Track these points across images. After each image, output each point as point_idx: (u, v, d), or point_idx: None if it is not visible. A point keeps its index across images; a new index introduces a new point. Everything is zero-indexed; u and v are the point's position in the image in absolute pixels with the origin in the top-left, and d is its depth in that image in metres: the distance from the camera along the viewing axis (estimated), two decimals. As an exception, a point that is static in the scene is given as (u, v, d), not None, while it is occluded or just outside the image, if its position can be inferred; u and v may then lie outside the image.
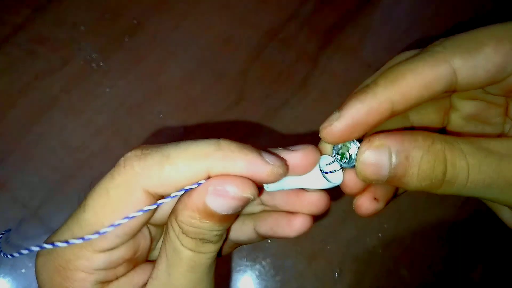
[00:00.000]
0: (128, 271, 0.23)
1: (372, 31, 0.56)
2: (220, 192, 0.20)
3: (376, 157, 0.19)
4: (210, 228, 0.21)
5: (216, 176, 0.20)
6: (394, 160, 0.19)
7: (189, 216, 0.20)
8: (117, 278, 0.22)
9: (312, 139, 0.41)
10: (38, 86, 0.47)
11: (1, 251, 0.23)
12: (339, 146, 0.22)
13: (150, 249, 0.25)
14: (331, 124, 0.20)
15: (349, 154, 0.22)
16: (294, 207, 0.25)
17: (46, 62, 0.48)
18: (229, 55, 0.51)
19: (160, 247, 0.22)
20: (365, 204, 0.24)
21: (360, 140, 0.21)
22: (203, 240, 0.21)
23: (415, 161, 0.19)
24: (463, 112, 0.25)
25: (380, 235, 0.47)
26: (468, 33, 0.21)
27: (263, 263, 0.45)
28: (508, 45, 0.20)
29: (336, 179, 0.23)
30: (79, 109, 0.47)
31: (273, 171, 0.20)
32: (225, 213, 0.20)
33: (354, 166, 0.21)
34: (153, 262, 0.24)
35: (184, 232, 0.21)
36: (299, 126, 0.50)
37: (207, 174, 0.20)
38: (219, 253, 0.24)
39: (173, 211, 0.21)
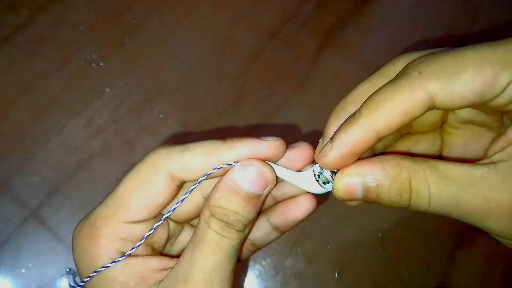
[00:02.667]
0: (146, 254, 0.25)
1: (372, 31, 0.56)
2: (245, 165, 0.24)
3: (349, 187, 0.22)
4: (235, 209, 0.23)
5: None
6: (365, 188, 0.22)
7: (218, 197, 0.24)
8: (135, 255, 0.24)
9: (312, 139, 0.41)
10: (38, 86, 0.47)
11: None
12: (317, 169, 0.25)
13: (168, 242, 0.28)
14: (325, 155, 0.22)
15: (325, 176, 0.25)
16: (298, 190, 0.27)
17: (46, 62, 0.48)
18: (229, 55, 0.51)
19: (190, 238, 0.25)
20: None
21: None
22: (228, 224, 0.23)
23: (384, 189, 0.21)
24: (459, 116, 0.26)
25: (380, 235, 0.47)
26: (448, 55, 0.20)
27: (263, 263, 0.45)
28: (489, 73, 0.19)
29: (327, 186, 0.25)
30: (79, 109, 0.47)
31: (271, 144, 0.24)
32: (249, 189, 0.24)
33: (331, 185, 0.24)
34: (168, 256, 0.27)
35: (212, 214, 0.23)
36: (299, 126, 0.50)
37: (219, 162, 0.24)
38: (238, 258, 0.26)
39: (207, 199, 0.24)
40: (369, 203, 0.24)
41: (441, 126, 0.27)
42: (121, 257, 0.24)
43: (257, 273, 0.44)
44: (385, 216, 0.47)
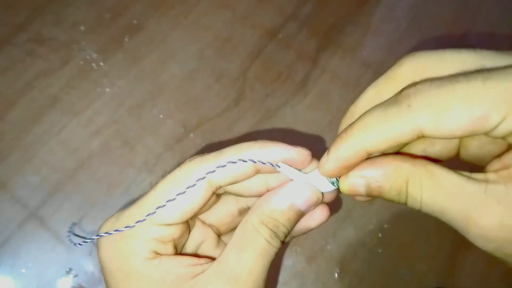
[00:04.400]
0: (175, 253, 0.26)
1: (372, 31, 0.56)
2: (303, 187, 0.26)
3: (353, 187, 0.24)
4: (284, 221, 0.26)
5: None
6: (368, 188, 0.24)
7: (272, 209, 0.26)
8: (167, 254, 0.26)
9: (312, 139, 0.40)
10: (38, 86, 0.47)
11: (71, 240, 0.27)
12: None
13: (186, 245, 0.29)
14: (323, 166, 0.24)
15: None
16: None
17: (46, 62, 0.48)
18: (229, 55, 0.51)
19: (231, 238, 0.26)
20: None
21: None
22: (276, 234, 0.26)
23: (385, 189, 0.23)
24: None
25: (380, 235, 0.47)
26: (440, 89, 0.20)
27: (263, 263, 0.45)
28: (478, 112, 0.19)
29: (335, 185, 0.27)
30: (79, 109, 0.47)
31: (300, 151, 0.25)
32: (302, 208, 0.26)
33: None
34: (185, 254, 0.28)
35: (264, 223, 0.26)
36: (299, 126, 0.50)
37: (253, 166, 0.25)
38: None
39: (254, 206, 0.26)
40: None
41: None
42: (148, 215, 0.24)
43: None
44: (385, 216, 0.47)
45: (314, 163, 0.27)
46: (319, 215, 0.29)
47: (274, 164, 0.26)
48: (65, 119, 0.46)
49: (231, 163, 0.25)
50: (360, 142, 0.23)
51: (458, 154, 0.28)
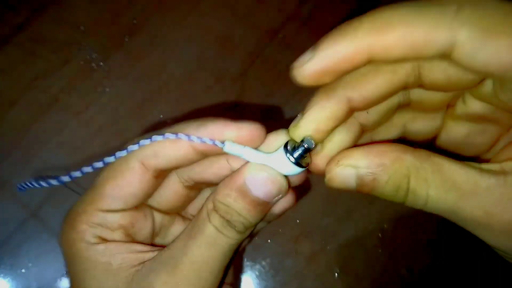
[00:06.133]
0: (127, 241, 0.26)
1: (372, 31, 0.56)
2: (258, 170, 0.23)
3: (342, 178, 0.20)
4: (239, 210, 0.23)
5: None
6: (360, 180, 0.20)
7: (225, 194, 0.23)
8: (114, 241, 0.25)
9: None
10: (38, 86, 0.47)
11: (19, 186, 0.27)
12: (289, 144, 0.23)
13: (154, 234, 0.28)
14: (302, 65, 0.19)
15: (298, 153, 0.22)
16: None
17: (46, 62, 0.48)
18: (229, 55, 0.51)
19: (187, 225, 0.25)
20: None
21: (309, 142, 0.22)
22: (229, 223, 0.23)
23: (380, 184, 0.20)
24: (470, 107, 0.22)
25: (380, 235, 0.47)
26: (500, 8, 0.16)
27: (263, 263, 0.45)
28: None
29: (301, 163, 0.23)
30: (79, 109, 0.47)
31: (244, 126, 0.23)
32: (259, 195, 0.23)
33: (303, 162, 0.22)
34: (158, 246, 0.27)
35: (215, 209, 0.23)
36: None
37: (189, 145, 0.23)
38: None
39: (213, 192, 0.24)
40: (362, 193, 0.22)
41: (446, 109, 0.24)
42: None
43: (257, 273, 0.44)
44: (385, 216, 0.47)
45: (276, 140, 0.23)
46: (283, 201, 0.25)
47: (216, 142, 0.22)
48: (65, 119, 0.46)
49: (158, 138, 0.23)
50: (368, 39, 0.17)
51: (437, 136, 0.25)
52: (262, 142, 0.23)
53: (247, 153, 0.23)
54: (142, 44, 0.50)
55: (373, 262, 0.46)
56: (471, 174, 0.19)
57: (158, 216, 0.28)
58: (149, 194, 0.26)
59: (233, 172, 0.24)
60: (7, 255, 0.41)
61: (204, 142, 0.23)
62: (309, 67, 0.19)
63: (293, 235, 0.45)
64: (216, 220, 0.23)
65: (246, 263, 0.45)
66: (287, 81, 0.51)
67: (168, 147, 0.24)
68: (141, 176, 0.24)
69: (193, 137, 0.23)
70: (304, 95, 0.51)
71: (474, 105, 0.22)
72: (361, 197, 0.47)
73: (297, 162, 0.22)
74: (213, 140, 0.23)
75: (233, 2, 0.53)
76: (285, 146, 0.23)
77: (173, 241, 0.25)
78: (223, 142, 0.23)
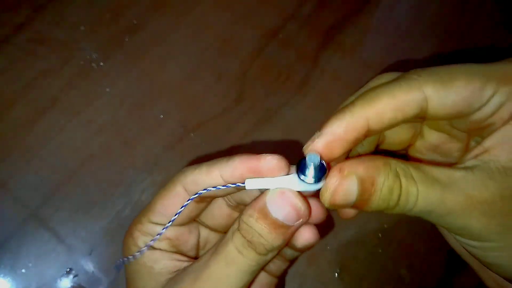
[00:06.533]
0: (171, 251, 0.29)
1: (372, 31, 0.56)
2: (280, 193, 0.24)
3: (346, 186, 0.22)
4: (260, 231, 0.24)
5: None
6: (361, 187, 0.22)
7: (248, 215, 0.24)
8: (160, 249, 0.29)
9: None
10: (38, 86, 0.47)
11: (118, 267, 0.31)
12: (302, 162, 0.23)
13: (200, 247, 0.31)
14: (313, 141, 0.23)
15: (310, 171, 0.23)
16: None
17: (46, 62, 0.48)
18: (229, 55, 0.51)
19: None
20: (350, 212, 0.28)
21: (312, 157, 0.23)
22: (250, 244, 0.24)
23: (378, 187, 0.21)
24: (427, 140, 0.28)
25: (380, 235, 0.47)
26: (443, 67, 0.22)
27: (263, 263, 0.45)
28: (477, 83, 0.22)
29: (314, 184, 0.24)
30: (79, 109, 0.47)
31: (268, 161, 0.25)
32: (278, 217, 0.24)
33: (314, 182, 0.23)
34: (184, 255, 0.30)
35: (238, 229, 0.25)
36: (299, 126, 0.50)
37: (218, 175, 0.26)
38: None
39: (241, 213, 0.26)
40: (356, 209, 0.23)
41: (407, 148, 0.30)
42: (144, 247, 0.28)
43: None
44: (385, 216, 0.47)
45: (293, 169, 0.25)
46: (305, 233, 0.28)
47: (238, 184, 0.25)
48: (65, 119, 0.46)
49: (205, 190, 0.26)
50: (364, 111, 0.22)
51: (407, 148, 0.30)
52: (284, 171, 0.25)
53: (267, 183, 0.25)
54: (142, 44, 0.50)
55: (373, 262, 0.46)
56: (445, 170, 0.22)
57: (204, 231, 0.32)
58: (192, 215, 0.29)
59: (260, 195, 0.25)
60: (7, 255, 0.41)
61: (228, 187, 0.26)
62: (320, 141, 0.23)
63: (293, 235, 0.46)
64: (237, 239, 0.25)
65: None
66: (287, 81, 0.52)
67: (205, 177, 0.27)
68: (183, 199, 0.27)
69: (218, 186, 0.26)
70: (304, 95, 0.51)
71: (431, 137, 0.27)
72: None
73: (305, 179, 0.23)
74: (234, 184, 0.25)
75: (233, 2, 0.53)
76: (298, 164, 0.24)
77: (203, 255, 0.27)
78: (243, 182, 0.25)
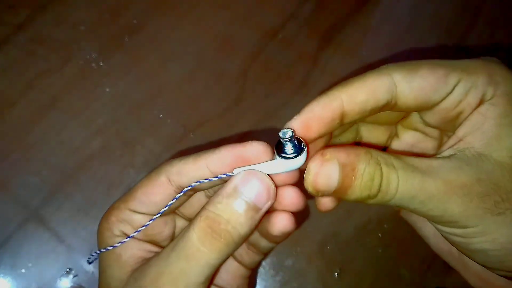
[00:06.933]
0: (143, 240, 0.29)
1: (372, 31, 0.56)
2: (251, 174, 0.24)
3: (327, 170, 0.22)
4: (229, 216, 0.24)
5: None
6: (342, 172, 0.22)
7: (216, 202, 0.24)
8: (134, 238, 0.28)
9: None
10: (38, 86, 0.47)
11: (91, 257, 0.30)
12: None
13: (174, 237, 0.31)
14: (293, 120, 0.24)
15: (289, 147, 0.24)
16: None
17: (46, 62, 0.48)
18: (229, 55, 0.51)
19: None
20: (327, 203, 0.28)
21: (293, 140, 0.24)
22: (214, 234, 0.23)
23: (359, 173, 0.22)
24: (403, 141, 0.29)
25: (380, 235, 0.47)
26: (412, 62, 0.25)
27: (263, 263, 0.45)
28: (441, 72, 0.23)
29: (296, 161, 0.24)
30: (79, 109, 0.47)
31: (255, 149, 0.25)
32: (250, 199, 0.24)
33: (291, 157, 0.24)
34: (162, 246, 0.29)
35: (202, 219, 0.24)
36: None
37: (205, 166, 0.26)
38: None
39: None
40: (335, 197, 0.24)
41: (384, 149, 0.31)
42: (127, 238, 0.28)
43: (257, 273, 0.44)
44: (385, 216, 0.47)
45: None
46: (282, 220, 0.27)
47: (230, 174, 0.25)
48: (65, 119, 0.46)
49: (196, 183, 0.26)
50: (338, 93, 0.24)
51: (387, 146, 0.31)
52: (269, 156, 0.25)
53: (254, 168, 0.25)
54: (142, 44, 0.50)
55: (373, 262, 0.46)
56: (423, 159, 0.23)
57: (180, 221, 0.31)
58: (172, 207, 0.29)
59: (227, 182, 0.25)
60: (7, 255, 0.41)
61: (217, 178, 0.25)
62: (298, 119, 0.24)
63: (293, 235, 0.45)
64: (200, 230, 0.24)
65: (246, 263, 0.45)
66: (287, 81, 0.52)
67: (191, 168, 0.26)
68: (165, 190, 0.27)
69: (210, 178, 0.26)
70: (304, 95, 0.51)
71: (425, 117, 0.27)
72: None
73: (285, 155, 0.24)
74: (224, 174, 0.25)
75: (233, 2, 0.53)
76: (276, 144, 0.25)
77: (165, 247, 0.26)
78: (232, 172, 0.25)
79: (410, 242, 0.47)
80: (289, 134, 0.23)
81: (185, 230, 0.25)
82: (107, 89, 0.48)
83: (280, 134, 0.23)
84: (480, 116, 0.23)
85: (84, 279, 0.42)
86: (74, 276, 0.42)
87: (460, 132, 0.24)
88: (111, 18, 0.50)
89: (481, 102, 0.23)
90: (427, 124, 0.27)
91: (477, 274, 0.28)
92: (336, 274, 0.45)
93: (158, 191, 0.27)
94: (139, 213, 0.28)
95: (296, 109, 0.52)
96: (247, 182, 0.24)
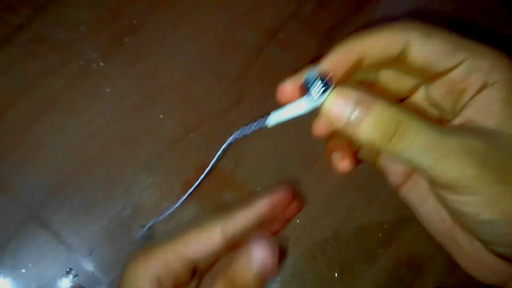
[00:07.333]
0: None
1: (372, 31, 0.56)
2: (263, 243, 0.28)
3: (344, 100, 0.23)
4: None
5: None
6: (357, 107, 0.22)
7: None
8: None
9: (312, 139, 0.40)
10: (38, 86, 0.47)
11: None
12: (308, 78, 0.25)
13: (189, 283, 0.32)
14: (321, 61, 0.26)
15: (317, 87, 0.25)
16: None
17: (46, 62, 0.48)
18: (229, 55, 0.51)
19: None
20: (345, 162, 0.29)
21: (324, 81, 0.25)
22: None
23: (374, 112, 0.22)
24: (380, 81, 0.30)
25: (380, 235, 0.47)
26: (427, 24, 0.25)
27: (263, 263, 0.45)
28: (451, 45, 0.25)
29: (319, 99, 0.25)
30: (79, 109, 0.47)
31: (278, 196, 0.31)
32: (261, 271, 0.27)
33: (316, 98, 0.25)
34: None
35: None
36: (299, 126, 0.49)
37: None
38: None
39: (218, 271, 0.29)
40: (347, 135, 0.24)
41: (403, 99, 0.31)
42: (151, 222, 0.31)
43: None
44: (385, 216, 0.47)
45: None
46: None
47: (260, 122, 0.29)
48: (65, 119, 0.46)
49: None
50: (356, 42, 0.25)
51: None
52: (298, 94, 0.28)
53: (283, 113, 0.28)
54: (142, 44, 0.50)
55: (373, 262, 0.46)
56: (436, 123, 0.23)
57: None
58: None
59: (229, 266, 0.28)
60: (7, 255, 0.41)
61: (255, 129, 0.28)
62: (323, 63, 0.26)
63: (293, 235, 0.45)
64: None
65: (246, 263, 0.45)
66: (287, 81, 0.51)
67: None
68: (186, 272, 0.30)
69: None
70: (304, 95, 0.51)
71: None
72: (361, 197, 0.48)
73: (311, 94, 0.25)
74: (259, 122, 0.28)
75: (233, 2, 0.53)
76: (304, 83, 0.26)
77: None
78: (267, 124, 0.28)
79: (410, 242, 0.47)
80: (314, 73, 0.25)
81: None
82: (107, 89, 0.48)
83: (305, 75, 0.25)
84: (487, 98, 0.23)
85: (84, 279, 0.42)
86: (74, 276, 0.42)
87: (467, 112, 0.24)
88: (111, 18, 0.50)
89: (484, 86, 0.24)
90: (432, 101, 0.27)
91: (469, 254, 0.28)
92: (336, 274, 0.45)
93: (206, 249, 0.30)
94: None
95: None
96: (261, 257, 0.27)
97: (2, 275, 0.41)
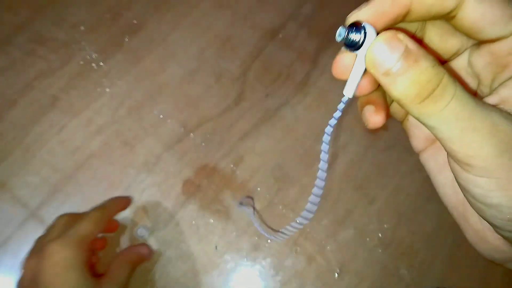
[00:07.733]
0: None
1: (372, 31, 0.56)
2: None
3: (393, 46, 0.21)
4: None
5: None
6: (404, 58, 0.21)
7: None
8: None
9: (312, 139, 0.41)
10: (38, 86, 0.47)
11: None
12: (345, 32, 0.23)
13: None
14: (360, 9, 0.23)
15: (355, 39, 0.23)
16: None
17: (46, 62, 0.48)
18: (229, 55, 0.51)
19: None
20: (376, 117, 0.27)
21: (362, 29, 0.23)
22: None
23: (419, 66, 0.20)
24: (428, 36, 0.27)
25: (380, 235, 0.47)
26: None
27: (263, 263, 0.45)
28: (509, 12, 0.22)
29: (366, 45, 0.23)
30: (79, 109, 0.47)
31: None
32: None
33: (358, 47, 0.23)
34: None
35: None
36: (299, 126, 0.50)
37: None
38: None
39: None
40: (383, 84, 0.22)
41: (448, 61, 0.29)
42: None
43: (257, 273, 0.44)
44: (385, 216, 0.47)
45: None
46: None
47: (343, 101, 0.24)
48: (65, 119, 0.46)
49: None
50: None
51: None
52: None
53: (354, 73, 0.24)
54: (142, 44, 0.50)
55: (373, 262, 0.46)
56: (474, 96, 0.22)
57: None
58: None
59: None
60: (7, 255, 0.41)
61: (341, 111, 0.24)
62: (367, 10, 0.23)
63: (293, 235, 0.45)
64: None
65: (246, 263, 0.45)
66: (287, 81, 0.52)
67: None
68: None
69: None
70: (304, 95, 0.51)
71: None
72: (361, 197, 0.48)
73: (346, 44, 0.23)
74: (342, 108, 0.24)
75: (233, 2, 0.53)
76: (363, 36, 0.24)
77: None
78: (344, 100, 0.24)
79: (410, 242, 0.47)
80: (346, 28, 0.23)
81: None
82: (107, 89, 0.48)
83: (339, 34, 0.23)
84: None
85: (84, 279, 0.42)
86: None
87: (504, 92, 0.23)
88: (111, 18, 0.51)
89: None
90: (473, 69, 0.26)
91: (476, 231, 0.27)
92: (336, 274, 0.45)
93: None
94: None
95: (296, 109, 0.52)
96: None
97: (2, 275, 0.41)
